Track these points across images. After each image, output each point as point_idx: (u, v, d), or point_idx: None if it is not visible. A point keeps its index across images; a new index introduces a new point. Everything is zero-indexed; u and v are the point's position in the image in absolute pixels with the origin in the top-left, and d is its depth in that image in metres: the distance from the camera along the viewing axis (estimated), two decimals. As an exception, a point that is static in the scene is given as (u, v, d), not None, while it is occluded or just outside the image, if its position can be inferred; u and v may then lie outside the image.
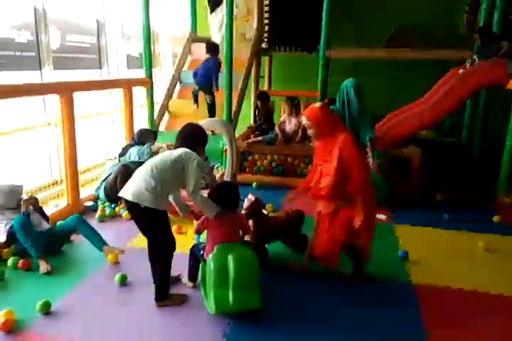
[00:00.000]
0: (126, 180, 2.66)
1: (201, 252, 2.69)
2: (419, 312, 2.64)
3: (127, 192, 2.50)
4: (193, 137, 2.65)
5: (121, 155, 4.28)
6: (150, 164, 2.53)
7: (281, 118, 5.61)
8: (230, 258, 2.46)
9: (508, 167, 4.77)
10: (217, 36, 6.37)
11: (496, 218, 4.21)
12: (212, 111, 5.37)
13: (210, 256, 2.52)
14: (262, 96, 5.81)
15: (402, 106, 5.57)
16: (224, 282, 2.44)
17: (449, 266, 3.28)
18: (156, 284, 2.61)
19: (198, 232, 2.81)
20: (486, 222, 4.20)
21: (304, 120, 2.83)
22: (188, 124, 2.81)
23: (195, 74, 5.37)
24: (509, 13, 5.84)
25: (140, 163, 3.43)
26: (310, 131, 2.81)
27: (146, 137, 4.33)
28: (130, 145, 4.33)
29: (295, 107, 5.41)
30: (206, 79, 5.21)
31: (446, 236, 3.86)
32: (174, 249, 2.63)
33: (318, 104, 2.85)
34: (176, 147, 2.70)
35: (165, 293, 2.63)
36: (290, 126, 5.33)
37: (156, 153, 4.10)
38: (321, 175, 2.83)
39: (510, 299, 2.83)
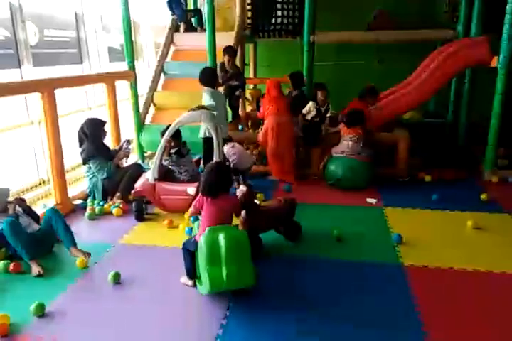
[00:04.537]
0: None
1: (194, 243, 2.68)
2: (412, 293, 2.69)
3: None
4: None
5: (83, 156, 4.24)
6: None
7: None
8: (221, 236, 2.51)
9: (494, 144, 4.82)
10: None
11: (483, 196, 4.26)
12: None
13: (202, 237, 2.56)
14: (229, 51, 5.35)
15: (389, 88, 5.59)
16: (216, 259, 2.49)
17: (439, 246, 3.33)
18: None
19: (195, 213, 2.83)
20: (474, 200, 4.25)
21: None
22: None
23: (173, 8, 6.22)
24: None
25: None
26: None
27: (93, 127, 4.23)
28: (83, 147, 4.23)
29: None
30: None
31: (435, 217, 3.90)
32: None
33: None
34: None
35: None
36: None
37: (118, 167, 4.37)
38: None
39: (500, 276, 2.89)
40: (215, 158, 3.76)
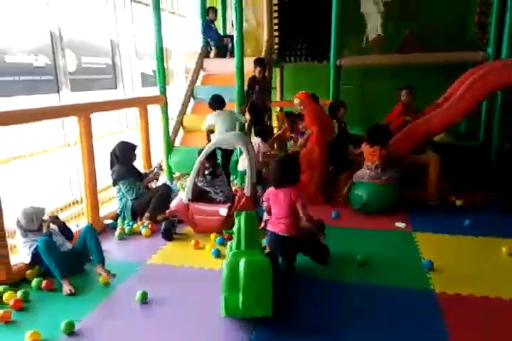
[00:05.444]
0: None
1: None
2: (444, 321, 2.59)
3: None
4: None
5: (113, 177, 4.39)
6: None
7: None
8: (242, 262, 2.49)
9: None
10: None
11: (518, 221, 4.11)
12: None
13: (225, 261, 2.59)
14: (261, 62, 5.44)
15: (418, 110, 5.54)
16: (235, 286, 2.46)
17: (472, 273, 3.21)
18: None
19: (267, 206, 3.15)
20: (509, 225, 4.09)
21: None
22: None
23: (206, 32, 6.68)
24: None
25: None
26: None
27: (125, 150, 4.40)
28: (114, 169, 4.39)
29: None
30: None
31: (468, 243, 3.78)
32: None
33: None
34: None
35: None
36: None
37: (147, 188, 4.53)
38: None
39: (538, 306, 2.76)
40: (248, 180, 3.81)
